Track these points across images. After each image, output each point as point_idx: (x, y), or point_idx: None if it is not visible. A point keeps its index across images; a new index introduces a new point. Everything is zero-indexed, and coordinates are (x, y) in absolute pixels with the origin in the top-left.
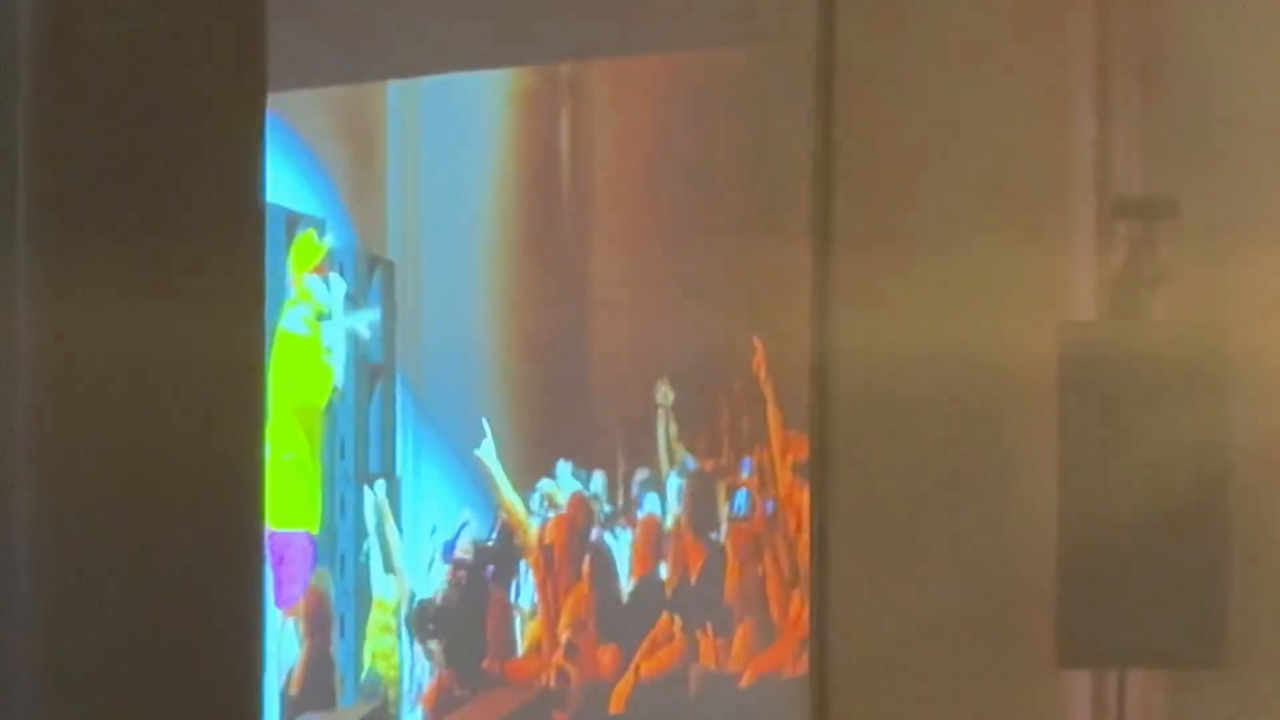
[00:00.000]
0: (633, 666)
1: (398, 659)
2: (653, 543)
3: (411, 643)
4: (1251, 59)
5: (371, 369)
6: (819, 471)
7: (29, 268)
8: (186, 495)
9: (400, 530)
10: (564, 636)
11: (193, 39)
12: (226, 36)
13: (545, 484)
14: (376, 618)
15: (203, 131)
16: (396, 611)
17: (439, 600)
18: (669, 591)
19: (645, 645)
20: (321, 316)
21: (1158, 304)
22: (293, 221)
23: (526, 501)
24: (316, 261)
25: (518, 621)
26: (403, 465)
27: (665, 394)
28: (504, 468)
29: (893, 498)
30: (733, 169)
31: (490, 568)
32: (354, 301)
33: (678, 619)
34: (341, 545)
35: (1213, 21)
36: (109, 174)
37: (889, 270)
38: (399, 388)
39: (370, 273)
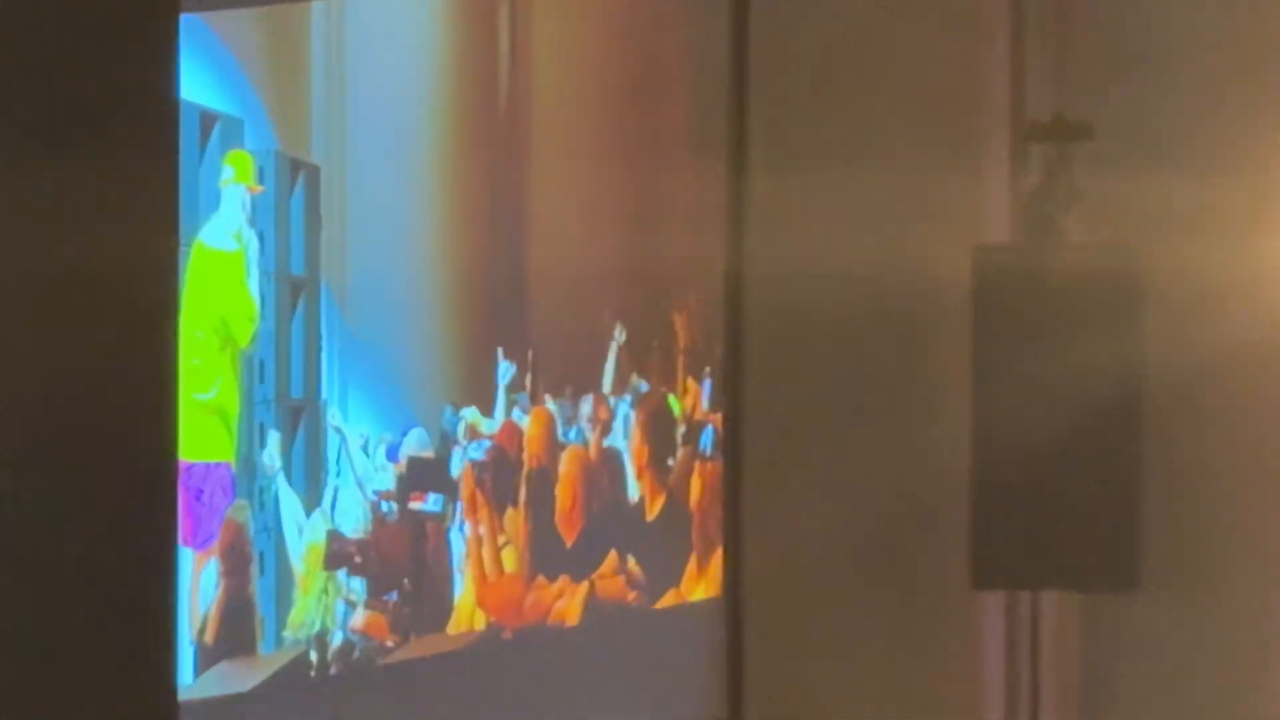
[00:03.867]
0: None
1: (325, 600)
2: (587, 475)
3: (343, 582)
4: None
5: (294, 283)
6: (733, 394)
7: None
8: (89, 425)
9: (325, 459)
10: (500, 567)
11: None
12: None
13: (468, 413)
14: (299, 555)
15: (110, 27)
16: (322, 548)
17: (368, 534)
18: (620, 526)
19: (589, 582)
20: (246, 233)
21: (1071, 225)
22: (209, 120)
23: (451, 430)
24: (251, 179)
25: (455, 555)
26: (328, 388)
27: (619, 331)
28: (441, 382)
29: (807, 419)
30: (664, 86)
31: (426, 499)
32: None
33: (630, 558)
34: (261, 477)
35: None
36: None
37: (804, 193)
38: (324, 303)
39: (292, 178)
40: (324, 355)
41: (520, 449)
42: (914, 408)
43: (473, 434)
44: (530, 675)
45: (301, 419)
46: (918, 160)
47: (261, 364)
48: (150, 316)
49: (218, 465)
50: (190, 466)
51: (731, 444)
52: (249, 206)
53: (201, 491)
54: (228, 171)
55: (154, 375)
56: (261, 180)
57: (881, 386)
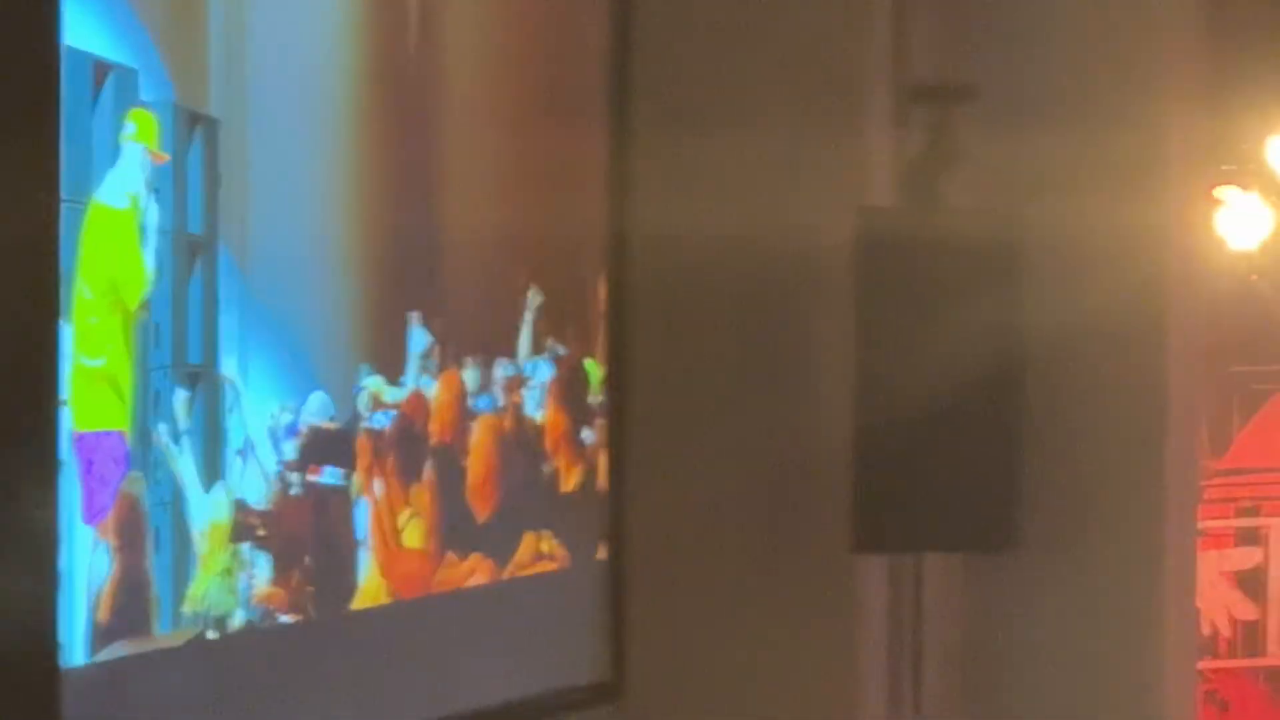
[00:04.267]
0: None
1: (228, 581)
2: (501, 445)
3: (246, 558)
4: None
5: (191, 243)
6: (614, 358)
7: None
8: None
9: (224, 429)
10: (400, 542)
11: None
12: None
13: (370, 382)
14: (199, 530)
15: None
16: (223, 523)
17: (272, 506)
18: (535, 500)
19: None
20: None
21: (954, 189)
22: (102, 70)
23: (353, 398)
24: (155, 144)
25: (361, 530)
26: (225, 354)
27: (533, 296)
28: (348, 349)
29: (689, 383)
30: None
31: (322, 471)
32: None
33: (547, 533)
34: (157, 447)
35: None
36: None
37: (686, 155)
38: (222, 264)
39: (189, 131)
40: (222, 320)
41: (427, 419)
42: (796, 371)
43: (376, 404)
44: (412, 641)
45: (199, 386)
46: (800, 122)
47: (157, 328)
48: (29, 277)
49: (109, 435)
50: (81, 436)
51: (615, 407)
52: (148, 167)
53: (92, 463)
54: (129, 128)
55: (36, 340)
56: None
57: (764, 349)
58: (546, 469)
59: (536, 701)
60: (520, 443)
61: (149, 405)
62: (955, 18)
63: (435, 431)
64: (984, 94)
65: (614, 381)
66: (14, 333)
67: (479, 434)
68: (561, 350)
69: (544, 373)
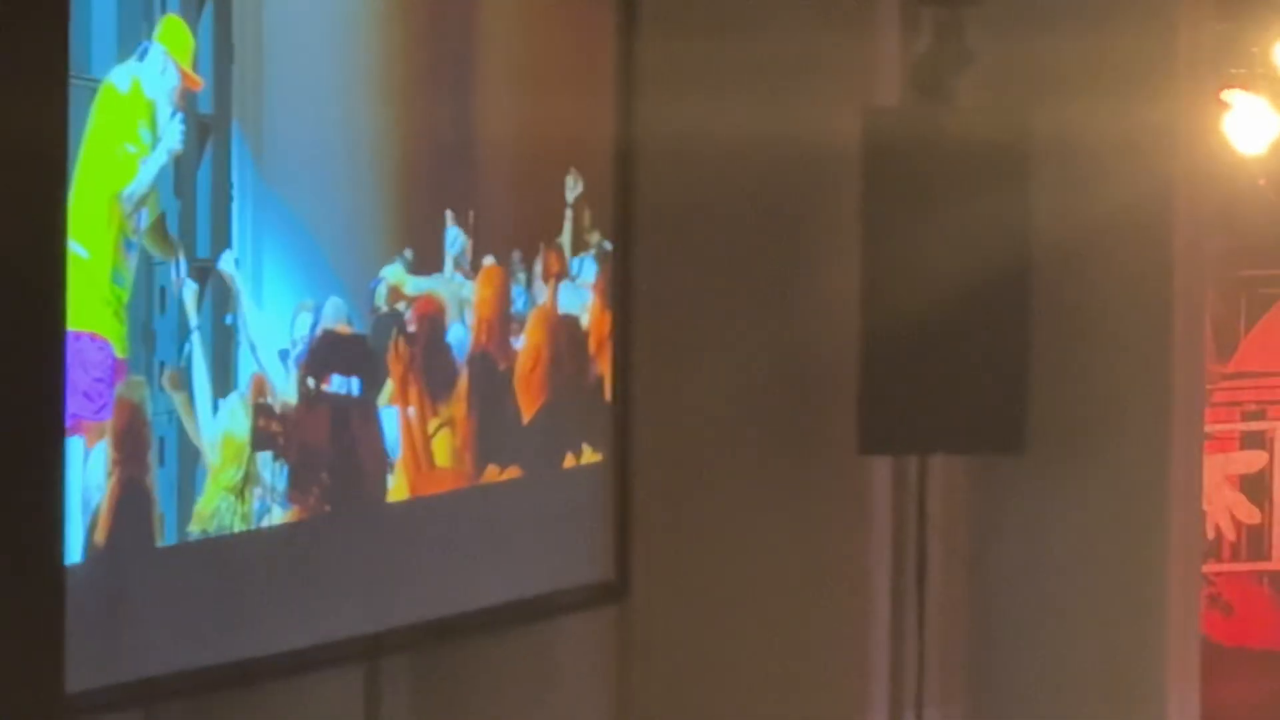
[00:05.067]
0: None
1: (238, 499)
2: (553, 339)
3: (262, 472)
4: None
5: (201, 124)
6: (621, 257)
7: None
8: None
9: (236, 326)
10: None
11: None
12: None
13: (390, 271)
14: (209, 440)
15: None
16: (236, 433)
17: (289, 411)
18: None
19: None
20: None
21: (962, 88)
22: None
23: (371, 294)
24: (189, 56)
25: (390, 436)
26: (240, 246)
27: (572, 182)
28: (372, 247)
29: (697, 282)
30: None
31: (331, 381)
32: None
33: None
34: (161, 348)
35: None
36: None
37: (693, 53)
38: (235, 148)
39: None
40: (235, 209)
41: (443, 320)
42: (803, 270)
43: (395, 296)
44: (416, 539)
45: (208, 282)
46: (809, 21)
47: (163, 218)
48: (33, 165)
49: (96, 336)
50: (71, 336)
51: (622, 305)
52: (173, 78)
53: (85, 364)
54: (158, 30)
55: (40, 232)
56: (163, 3)
57: (772, 248)
58: (593, 373)
59: (545, 601)
60: (569, 340)
61: (154, 302)
62: None
63: (475, 333)
64: None
65: (620, 280)
66: (17, 233)
67: (532, 324)
68: (608, 245)
69: (589, 271)
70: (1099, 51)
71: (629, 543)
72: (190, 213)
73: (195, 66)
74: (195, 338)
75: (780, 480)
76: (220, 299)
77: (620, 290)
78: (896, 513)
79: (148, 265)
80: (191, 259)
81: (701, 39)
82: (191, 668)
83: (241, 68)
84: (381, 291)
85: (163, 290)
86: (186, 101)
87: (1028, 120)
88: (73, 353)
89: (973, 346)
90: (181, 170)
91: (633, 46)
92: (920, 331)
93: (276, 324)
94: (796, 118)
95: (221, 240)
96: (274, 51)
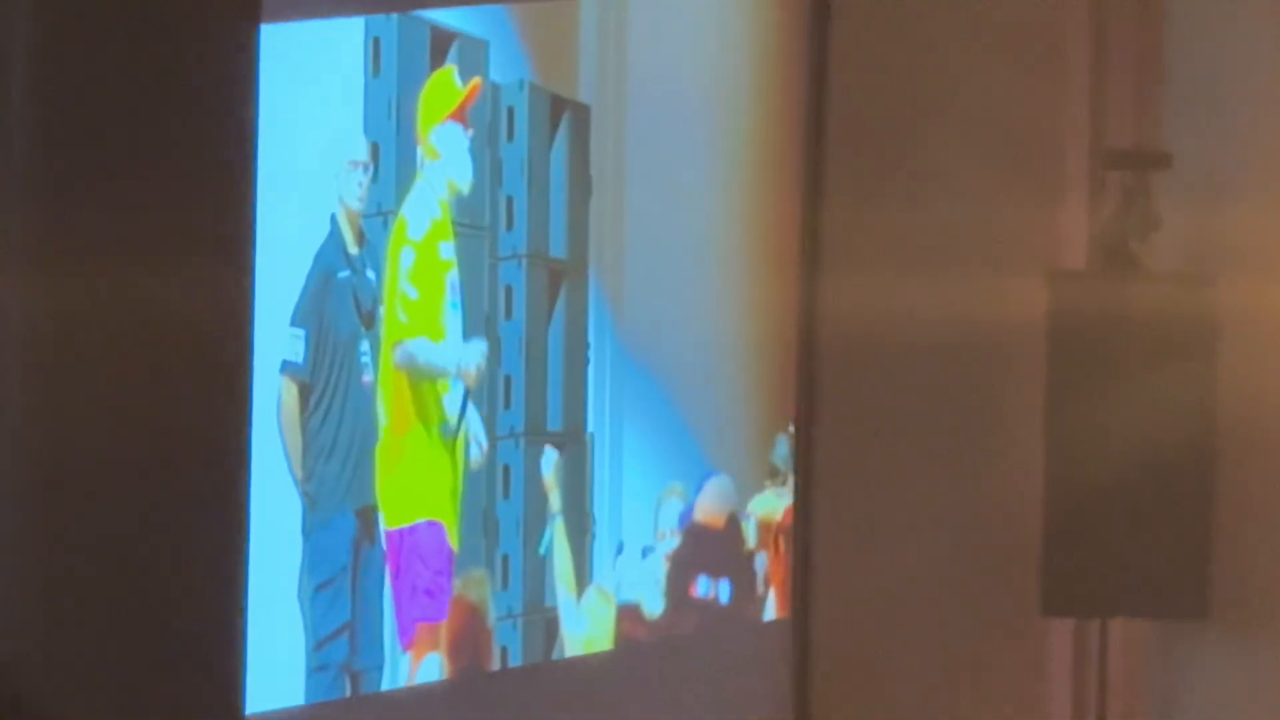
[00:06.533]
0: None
1: None
2: None
3: None
4: (1244, 9)
5: (551, 269)
6: (805, 424)
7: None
8: (153, 480)
9: (594, 517)
10: None
11: None
12: None
13: (761, 500)
14: (572, 649)
15: (186, 47)
16: (600, 638)
17: (662, 618)
18: None
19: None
20: (456, 193)
21: (1148, 255)
22: (443, 40)
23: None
24: (453, 108)
25: None
26: (596, 420)
27: None
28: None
29: (880, 449)
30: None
31: (698, 583)
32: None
33: None
34: (506, 540)
35: None
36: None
37: (880, 222)
38: (592, 297)
39: (553, 120)
40: (591, 372)
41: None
42: (988, 434)
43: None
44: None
45: (562, 457)
46: (996, 188)
47: (508, 382)
48: (222, 359)
49: (429, 524)
50: (391, 533)
51: (805, 473)
52: (468, 148)
53: (400, 567)
54: (431, 113)
55: (224, 423)
56: (510, 125)
57: (956, 412)
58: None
59: None
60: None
61: (495, 484)
62: (1152, 83)
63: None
64: (1179, 160)
65: (804, 447)
66: (201, 423)
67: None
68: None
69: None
70: None
71: (807, 701)
72: (540, 376)
73: (544, 203)
74: (555, 524)
75: (960, 640)
76: (577, 478)
77: (802, 456)
78: (1076, 675)
79: (492, 439)
80: (539, 432)
81: (888, 206)
82: None
83: (599, 203)
84: (752, 525)
85: (506, 468)
86: (532, 244)
87: (1215, 287)
88: (422, 547)
89: (1157, 511)
90: (529, 326)
91: (818, 213)
92: (1104, 493)
93: (642, 508)
94: (982, 283)
95: (577, 409)
96: (637, 168)
